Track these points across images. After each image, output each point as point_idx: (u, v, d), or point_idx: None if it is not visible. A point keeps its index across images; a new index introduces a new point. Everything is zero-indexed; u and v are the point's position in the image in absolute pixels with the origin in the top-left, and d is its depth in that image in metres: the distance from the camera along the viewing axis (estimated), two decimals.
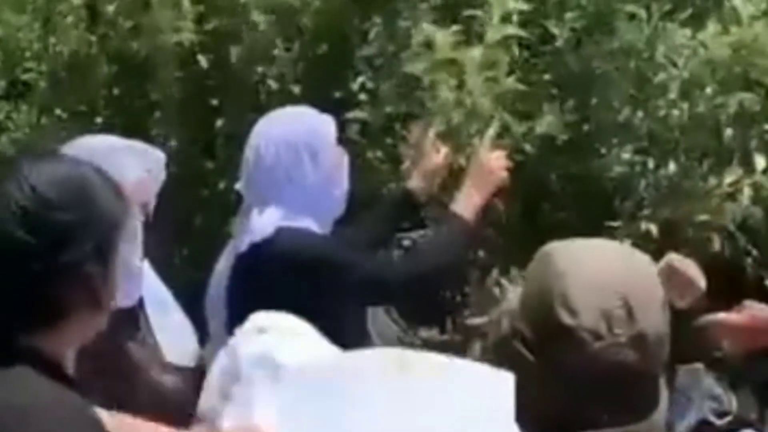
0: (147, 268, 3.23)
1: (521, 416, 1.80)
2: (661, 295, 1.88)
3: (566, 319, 1.78)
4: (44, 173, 2.06)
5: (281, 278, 3.21)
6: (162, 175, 3.25)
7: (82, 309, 2.05)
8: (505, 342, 1.89)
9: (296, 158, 3.31)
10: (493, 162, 3.52)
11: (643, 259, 1.94)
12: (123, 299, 2.59)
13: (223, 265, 3.47)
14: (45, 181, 2.04)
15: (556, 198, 4.35)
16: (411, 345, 4.44)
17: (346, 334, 3.11)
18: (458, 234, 3.44)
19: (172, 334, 3.30)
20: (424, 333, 4.48)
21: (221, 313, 3.35)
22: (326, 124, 3.40)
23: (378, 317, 4.23)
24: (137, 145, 3.25)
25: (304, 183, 3.32)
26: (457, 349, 4.16)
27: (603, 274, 1.84)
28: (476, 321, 4.19)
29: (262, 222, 3.27)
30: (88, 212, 2.05)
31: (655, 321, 1.83)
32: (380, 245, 3.77)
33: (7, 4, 4.80)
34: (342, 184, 3.44)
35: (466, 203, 3.40)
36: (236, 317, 2.78)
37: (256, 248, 3.25)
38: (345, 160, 3.47)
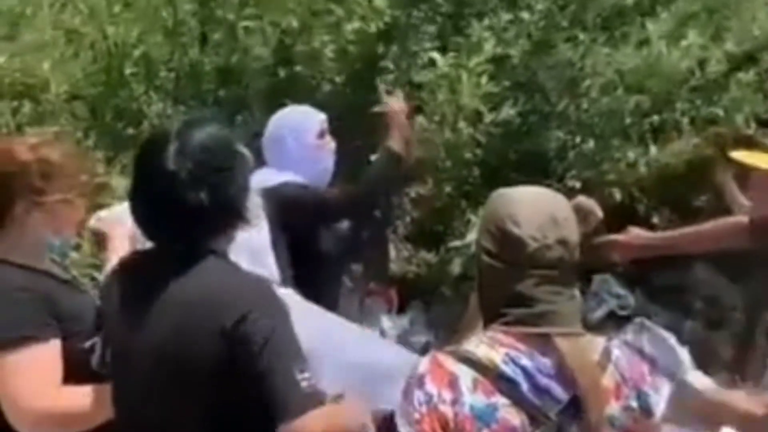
0: None
1: (485, 300, 2.03)
2: (574, 217, 2.05)
3: (514, 229, 1.97)
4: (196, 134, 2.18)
5: (279, 214, 3.34)
6: None
7: (227, 225, 2.23)
8: (477, 256, 2.06)
9: (279, 138, 3.59)
10: (395, 106, 3.64)
11: (561, 197, 2.11)
12: None
13: None
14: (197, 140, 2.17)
15: (511, 163, 4.71)
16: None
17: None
18: (388, 161, 3.59)
19: None
20: (423, 254, 4.95)
21: None
22: (310, 118, 3.63)
23: None
24: None
25: (290, 156, 3.54)
26: (446, 263, 4.71)
27: (537, 201, 2.03)
28: (456, 244, 4.59)
29: (264, 177, 3.42)
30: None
31: (572, 231, 2.01)
32: (376, 196, 3.85)
33: (147, 25, 5.09)
34: (323, 162, 3.62)
35: (390, 139, 3.56)
36: None
37: (266, 191, 3.35)
38: (329, 145, 3.65)
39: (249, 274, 2.22)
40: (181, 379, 2.11)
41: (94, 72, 5.25)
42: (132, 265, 2.33)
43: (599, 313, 4.84)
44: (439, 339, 3.82)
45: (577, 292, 2.01)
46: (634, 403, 1.99)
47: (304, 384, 2.06)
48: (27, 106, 5.13)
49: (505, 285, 1.98)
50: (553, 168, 4.65)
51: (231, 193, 2.19)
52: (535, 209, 2.00)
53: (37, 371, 2.33)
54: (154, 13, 5.21)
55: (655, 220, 4.67)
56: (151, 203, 2.20)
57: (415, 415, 1.92)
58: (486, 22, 4.49)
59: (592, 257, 2.87)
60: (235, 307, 2.08)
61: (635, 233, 3.33)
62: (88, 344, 2.40)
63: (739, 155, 3.15)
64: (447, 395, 1.91)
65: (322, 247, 3.55)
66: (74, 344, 2.40)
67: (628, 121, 4.64)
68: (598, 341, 2.02)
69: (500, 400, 1.90)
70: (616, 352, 2.01)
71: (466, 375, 1.92)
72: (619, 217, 3.74)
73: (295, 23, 4.87)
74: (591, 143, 4.64)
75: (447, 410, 1.91)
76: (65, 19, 5.36)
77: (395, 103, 3.68)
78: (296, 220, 3.39)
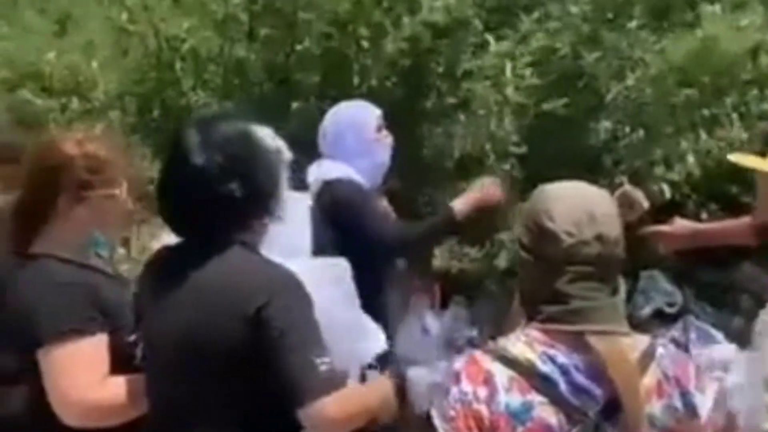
0: None
1: (524, 297, 2.01)
2: (616, 211, 2.00)
3: (549, 224, 1.93)
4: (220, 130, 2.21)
5: (331, 210, 3.47)
6: None
7: (252, 216, 2.24)
8: (517, 252, 2.04)
9: (338, 132, 3.62)
10: (491, 188, 3.66)
11: (603, 192, 2.05)
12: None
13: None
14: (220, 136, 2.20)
15: (558, 156, 4.59)
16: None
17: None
18: (443, 223, 3.66)
19: None
20: (467, 249, 4.96)
21: None
22: (368, 113, 3.67)
23: None
24: None
25: (347, 150, 3.58)
26: (492, 257, 4.72)
27: (574, 196, 1.98)
28: (502, 237, 4.60)
29: (324, 169, 3.58)
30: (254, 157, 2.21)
31: (611, 227, 1.95)
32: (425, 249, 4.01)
33: (196, 20, 5.13)
34: (380, 156, 3.66)
35: (461, 203, 3.60)
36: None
37: (324, 185, 3.53)
38: (386, 139, 3.67)
39: (271, 263, 2.24)
40: (206, 366, 2.15)
41: (144, 69, 5.29)
42: (161, 258, 2.37)
43: (647, 310, 4.55)
44: (483, 335, 3.77)
45: (620, 289, 1.96)
46: (677, 403, 1.95)
47: (322, 368, 2.10)
48: (75, 103, 5.18)
49: (542, 281, 1.95)
50: (602, 160, 4.62)
51: (255, 185, 2.22)
52: (571, 204, 1.97)
53: (84, 364, 2.37)
54: (202, 8, 5.24)
55: (704, 215, 4.57)
56: (174, 197, 2.24)
57: (450, 412, 1.91)
58: (535, 14, 4.47)
59: (638, 249, 2.84)
60: (257, 294, 2.12)
61: (680, 224, 3.33)
62: (132, 338, 2.42)
63: (737, 157, 3.07)
64: (482, 393, 1.89)
65: (369, 245, 3.54)
66: (119, 338, 2.43)
67: (678, 113, 4.59)
68: (640, 339, 1.98)
69: (536, 399, 1.88)
70: (660, 350, 1.97)
71: (501, 373, 1.90)
72: (666, 212, 3.71)
73: (347, 16, 4.88)
74: (641, 132, 4.59)
75: (482, 408, 1.89)
76: (113, 17, 5.40)
77: (493, 189, 3.71)
78: (345, 220, 3.46)
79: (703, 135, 4.59)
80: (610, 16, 4.69)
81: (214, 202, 2.18)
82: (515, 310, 2.12)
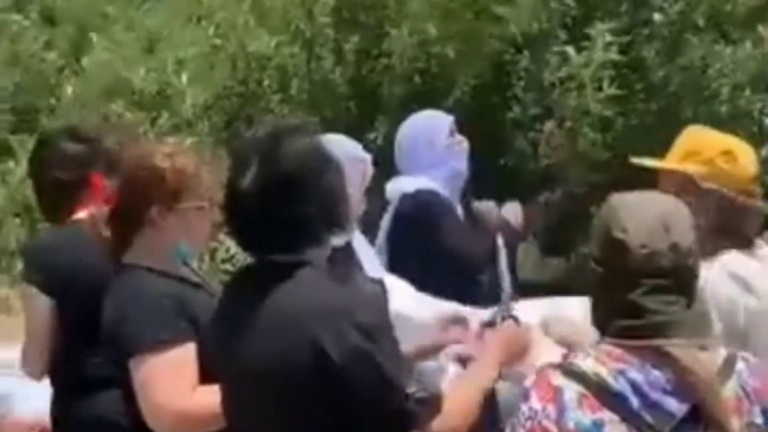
0: None
1: (596, 312, 1.96)
2: (690, 221, 1.94)
3: (620, 235, 1.87)
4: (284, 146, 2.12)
5: (410, 222, 3.52)
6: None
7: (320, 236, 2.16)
8: (589, 265, 1.97)
9: (414, 144, 3.63)
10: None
11: (677, 201, 2.00)
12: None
13: (386, 217, 3.62)
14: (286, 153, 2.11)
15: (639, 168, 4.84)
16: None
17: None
18: None
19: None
20: (553, 260, 4.65)
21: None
22: (439, 121, 3.67)
23: None
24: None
25: (422, 161, 3.58)
26: (579, 270, 4.35)
27: (646, 206, 1.93)
28: (587, 250, 4.72)
29: (400, 183, 3.59)
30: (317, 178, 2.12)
31: (685, 237, 1.89)
32: None
33: (284, 37, 5.21)
34: (455, 161, 3.64)
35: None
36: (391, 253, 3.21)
37: (403, 199, 3.54)
38: (460, 144, 3.67)
39: (344, 286, 2.20)
40: (278, 392, 2.08)
41: (231, 84, 5.36)
42: (237, 277, 2.35)
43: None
44: None
45: (700, 300, 1.91)
46: (758, 420, 1.88)
47: (411, 401, 2.04)
48: (164, 117, 5.27)
49: (614, 294, 1.89)
50: None
51: (319, 199, 2.13)
52: (643, 215, 1.91)
53: (174, 373, 2.41)
54: (288, 25, 5.29)
55: None
56: (239, 217, 2.16)
57: (520, 429, 1.87)
58: (612, 24, 4.39)
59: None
60: (327, 319, 2.04)
61: None
62: None
63: (641, 161, 2.88)
64: (551, 411, 1.85)
65: (453, 253, 3.54)
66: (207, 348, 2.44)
67: (766, 120, 4.43)
68: (720, 352, 1.92)
69: (607, 416, 1.82)
70: (740, 364, 1.91)
71: (571, 390, 1.85)
72: None
73: (433, 30, 4.88)
74: None
75: (551, 426, 1.84)
76: (201, 34, 5.54)
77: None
78: (425, 229, 3.46)
79: None
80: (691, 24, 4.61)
81: (272, 220, 2.10)
82: (582, 324, 2.14)
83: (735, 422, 1.85)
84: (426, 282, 3.12)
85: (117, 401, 2.55)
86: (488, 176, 3.74)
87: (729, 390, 1.87)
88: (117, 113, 5.47)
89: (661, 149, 4.29)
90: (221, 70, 5.46)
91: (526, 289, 4.60)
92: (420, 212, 3.51)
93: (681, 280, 1.89)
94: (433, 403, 2.08)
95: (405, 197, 3.55)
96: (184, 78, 5.48)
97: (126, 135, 3.36)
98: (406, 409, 2.04)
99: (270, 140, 2.14)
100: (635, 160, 2.85)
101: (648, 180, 4.32)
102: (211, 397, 2.39)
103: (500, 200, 4.00)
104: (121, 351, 2.46)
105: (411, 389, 2.05)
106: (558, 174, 4.24)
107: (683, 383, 1.81)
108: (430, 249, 3.47)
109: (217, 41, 5.48)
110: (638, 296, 1.86)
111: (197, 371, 2.44)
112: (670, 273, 1.87)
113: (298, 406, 2.07)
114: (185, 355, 2.43)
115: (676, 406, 1.82)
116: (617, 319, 1.88)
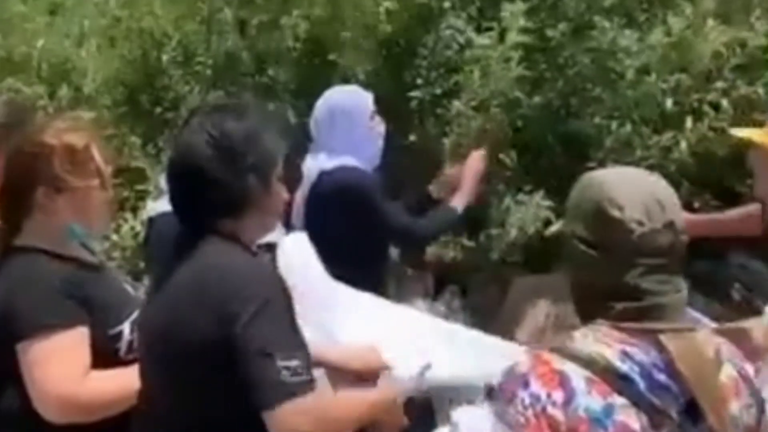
0: None
1: (583, 296, 1.86)
2: (677, 200, 1.85)
3: (616, 213, 1.78)
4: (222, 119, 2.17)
5: (335, 201, 3.46)
6: None
7: (252, 210, 2.17)
8: (568, 248, 1.87)
9: (332, 120, 3.55)
10: (473, 162, 3.74)
11: (659, 176, 1.91)
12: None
13: (299, 194, 3.56)
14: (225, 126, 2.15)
15: (550, 149, 4.63)
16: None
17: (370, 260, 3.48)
18: (449, 218, 3.67)
19: None
20: (460, 238, 4.83)
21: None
22: (362, 101, 3.62)
23: None
24: None
25: (341, 136, 3.52)
26: (486, 250, 4.61)
27: (638, 181, 1.85)
28: (494, 232, 4.45)
29: (320, 160, 3.53)
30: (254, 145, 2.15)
31: (678, 214, 1.82)
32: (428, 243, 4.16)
33: (184, 13, 5.17)
34: (375, 144, 3.61)
35: (459, 200, 3.64)
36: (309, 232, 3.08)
37: (321, 176, 3.49)
38: (379, 127, 3.63)
39: (244, 256, 2.18)
40: (179, 362, 2.08)
41: (132, 59, 5.25)
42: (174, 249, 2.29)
43: None
44: (475, 324, 3.73)
45: (683, 284, 1.82)
46: (749, 400, 1.84)
47: (284, 372, 1.99)
48: (64, 90, 5.12)
49: (609, 276, 1.79)
50: (593, 154, 4.50)
51: (243, 168, 2.15)
52: (637, 190, 1.81)
53: (63, 358, 2.31)
54: (190, 2, 5.20)
55: (696, 204, 4.38)
56: (171, 179, 2.20)
57: (520, 419, 1.73)
58: (520, 5, 4.36)
59: None
60: (223, 288, 2.04)
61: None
62: (115, 331, 2.39)
63: (736, 130, 2.99)
64: (558, 397, 1.72)
65: (375, 231, 3.54)
66: (101, 331, 2.38)
67: (668, 102, 4.44)
68: (713, 337, 1.85)
69: (617, 401, 1.73)
70: (724, 348, 1.85)
71: (577, 374, 1.74)
72: None
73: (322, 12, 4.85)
74: (628, 127, 4.46)
75: (557, 413, 1.72)
76: (103, 8, 5.41)
77: (475, 162, 3.76)
78: (356, 206, 3.43)
79: (689, 126, 4.45)
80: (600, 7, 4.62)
81: (197, 186, 2.13)
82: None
83: (734, 405, 1.80)
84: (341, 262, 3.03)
85: (15, 394, 2.40)
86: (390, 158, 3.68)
87: (725, 373, 1.81)
88: (14, 88, 5.27)
89: (572, 133, 4.47)
90: (122, 44, 5.34)
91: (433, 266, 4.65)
92: (348, 186, 3.47)
93: (676, 260, 1.81)
94: (295, 387, 2.02)
95: (325, 174, 3.51)
96: (84, 52, 5.32)
97: (18, 110, 3.18)
98: (268, 387, 2.00)
99: (203, 111, 2.21)
100: (735, 131, 2.94)
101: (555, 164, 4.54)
102: (103, 382, 2.32)
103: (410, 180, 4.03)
104: (10, 337, 2.34)
105: (291, 363, 2.01)
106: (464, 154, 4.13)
107: (679, 369, 1.74)
108: (358, 220, 3.45)
109: (119, 13, 5.36)
110: (635, 277, 1.78)
111: (89, 356, 2.35)
112: (667, 252, 1.79)
113: (192, 376, 2.08)
114: (75, 339, 2.33)
115: (678, 390, 1.76)
116: (613, 301, 1.79)
